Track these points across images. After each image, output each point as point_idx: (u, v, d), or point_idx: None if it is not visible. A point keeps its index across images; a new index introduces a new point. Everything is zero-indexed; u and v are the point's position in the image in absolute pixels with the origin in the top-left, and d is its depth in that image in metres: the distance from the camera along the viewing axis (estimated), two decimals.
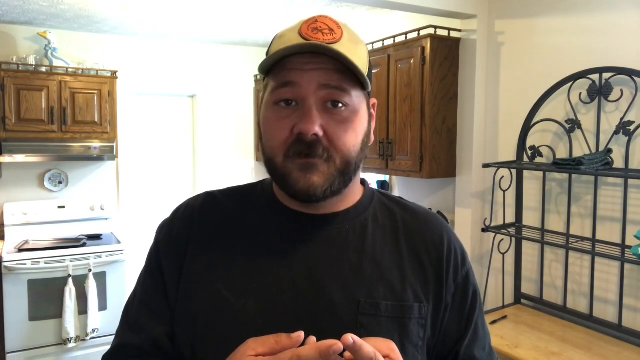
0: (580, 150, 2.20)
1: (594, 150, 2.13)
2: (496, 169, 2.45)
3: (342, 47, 0.67)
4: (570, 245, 2.14)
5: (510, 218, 2.51)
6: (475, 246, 2.70)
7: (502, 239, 2.52)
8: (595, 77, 2.11)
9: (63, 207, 3.69)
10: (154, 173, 4.25)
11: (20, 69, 3.40)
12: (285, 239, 0.74)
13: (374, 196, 0.82)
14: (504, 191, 2.48)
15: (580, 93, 2.19)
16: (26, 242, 3.37)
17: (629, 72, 1.99)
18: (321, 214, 0.75)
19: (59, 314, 3.16)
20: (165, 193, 4.25)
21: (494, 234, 2.51)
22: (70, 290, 3.16)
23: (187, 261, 0.75)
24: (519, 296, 2.49)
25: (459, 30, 2.69)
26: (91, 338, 3.22)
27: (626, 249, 1.97)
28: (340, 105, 0.69)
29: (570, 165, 2.01)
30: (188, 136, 4.40)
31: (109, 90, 3.63)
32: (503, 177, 2.48)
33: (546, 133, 2.35)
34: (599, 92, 2.10)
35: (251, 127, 4.57)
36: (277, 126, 0.70)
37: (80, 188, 3.85)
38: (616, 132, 2.04)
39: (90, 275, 3.23)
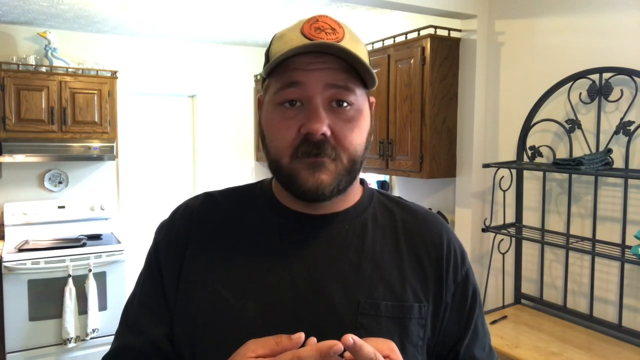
0: (580, 150, 2.20)
1: (594, 150, 2.13)
2: (496, 169, 2.45)
3: (346, 46, 0.67)
4: (570, 245, 2.14)
5: (510, 218, 2.51)
6: (475, 246, 2.70)
7: (502, 239, 2.52)
8: (595, 77, 2.11)
9: (63, 207, 3.69)
10: (154, 173, 4.25)
11: (20, 69, 3.40)
12: (285, 239, 0.74)
13: (373, 196, 0.82)
14: (504, 191, 2.48)
15: (580, 93, 2.19)
16: (26, 242, 3.37)
17: (629, 72, 1.99)
18: (321, 214, 0.75)
19: (59, 314, 3.16)
20: (165, 193, 4.25)
21: (494, 234, 2.51)
22: (70, 290, 3.16)
23: (187, 262, 0.75)
24: (519, 296, 2.49)
25: (459, 30, 2.69)
26: (91, 338, 3.22)
27: (626, 249, 1.97)
28: (346, 104, 0.69)
29: (570, 165, 2.01)
30: (188, 136, 4.40)
31: (109, 90, 3.63)
32: (503, 177, 2.48)
33: (546, 133, 2.35)
34: (599, 92, 2.10)
35: (251, 127, 4.57)
36: (282, 127, 0.69)
37: (80, 188, 3.85)
38: (616, 132, 2.04)
39: (90, 275, 3.23)
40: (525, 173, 2.46)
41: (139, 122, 4.14)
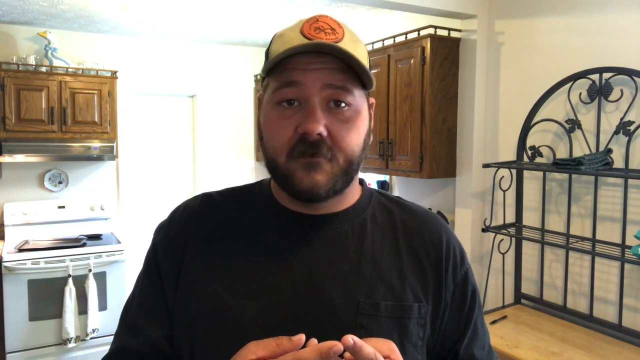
0: (580, 150, 2.20)
1: (594, 150, 2.13)
2: (496, 169, 2.45)
3: (345, 46, 0.67)
4: (570, 245, 2.14)
5: (510, 218, 2.51)
6: (475, 246, 2.70)
7: (502, 239, 2.52)
8: (595, 77, 2.11)
9: (63, 207, 3.69)
10: (154, 173, 4.25)
11: (20, 69, 3.40)
12: (284, 239, 0.74)
13: (372, 196, 0.82)
14: (504, 191, 2.47)
15: (580, 93, 2.18)
16: (26, 242, 3.37)
17: (629, 72, 1.99)
18: (320, 214, 0.75)
19: (59, 314, 3.16)
20: (165, 193, 4.25)
21: (494, 234, 2.51)
22: (70, 290, 3.16)
23: (186, 262, 0.75)
24: (519, 296, 2.49)
25: (459, 30, 2.69)
26: (91, 338, 3.22)
27: (626, 249, 1.97)
28: (344, 105, 0.69)
29: (570, 165, 2.01)
30: (188, 136, 4.40)
31: (109, 90, 3.63)
32: (503, 177, 2.48)
33: (546, 133, 2.35)
34: (599, 92, 2.10)
35: (251, 127, 4.57)
36: (279, 126, 0.69)
37: (80, 188, 3.85)
38: (616, 132, 2.04)
39: (90, 275, 3.23)
40: (525, 173, 2.46)
41: (139, 122, 4.14)
